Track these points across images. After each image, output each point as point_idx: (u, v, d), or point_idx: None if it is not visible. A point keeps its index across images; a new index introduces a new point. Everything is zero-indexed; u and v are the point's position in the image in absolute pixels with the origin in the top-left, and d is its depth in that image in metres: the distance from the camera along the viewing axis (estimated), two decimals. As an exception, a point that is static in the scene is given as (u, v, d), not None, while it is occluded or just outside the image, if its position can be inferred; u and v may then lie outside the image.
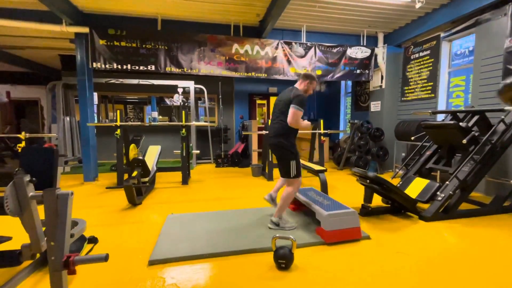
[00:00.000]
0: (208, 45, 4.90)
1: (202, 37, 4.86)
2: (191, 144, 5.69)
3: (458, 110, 3.67)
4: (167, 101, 8.06)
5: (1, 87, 8.22)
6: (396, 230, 2.60)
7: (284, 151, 2.48)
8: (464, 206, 3.11)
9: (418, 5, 4.17)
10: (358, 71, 5.61)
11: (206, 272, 1.86)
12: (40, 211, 1.46)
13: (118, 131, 4.29)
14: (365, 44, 5.66)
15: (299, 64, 5.27)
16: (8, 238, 1.93)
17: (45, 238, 1.54)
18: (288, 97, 2.46)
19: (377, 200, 3.28)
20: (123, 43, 4.55)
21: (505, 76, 3.59)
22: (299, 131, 2.65)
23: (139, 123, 5.87)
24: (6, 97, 8.27)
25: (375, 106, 6.05)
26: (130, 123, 6.23)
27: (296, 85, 2.61)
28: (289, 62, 5.24)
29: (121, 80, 6.18)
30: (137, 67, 4.65)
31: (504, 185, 3.56)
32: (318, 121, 5.20)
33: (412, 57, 5.35)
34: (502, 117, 3.06)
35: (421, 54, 5.13)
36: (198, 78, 6.70)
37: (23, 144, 4.33)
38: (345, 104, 8.10)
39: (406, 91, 5.53)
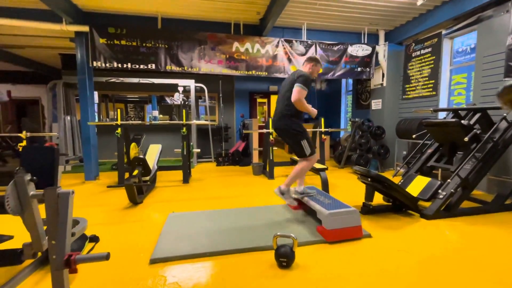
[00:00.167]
0: (209, 44, 4.88)
1: (203, 36, 4.85)
2: (191, 143, 5.69)
3: (460, 108, 3.65)
4: (168, 100, 8.05)
5: (2, 87, 8.22)
6: (398, 228, 2.60)
7: (291, 132, 2.48)
8: (465, 204, 3.09)
9: (419, 2, 4.15)
10: (359, 69, 5.59)
11: (207, 270, 1.86)
12: (41, 210, 1.46)
13: (119, 130, 4.29)
14: (366, 42, 5.64)
15: (299, 62, 5.24)
16: (10, 237, 1.93)
17: (46, 237, 1.55)
18: (293, 78, 2.48)
19: (378, 199, 3.27)
20: (123, 42, 4.54)
21: (507, 74, 3.57)
22: None
23: (140, 122, 5.88)
24: (7, 96, 8.28)
25: (376, 104, 6.03)
26: (130, 122, 6.23)
27: (301, 67, 2.63)
28: (289, 60, 5.22)
29: (121, 79, 6.18)
30: (137, 66, 4.65)
31: (506, 183, 3.55)
32: (319, 120, 5.19)
33: (413, 55, 5.33)
34: (504, 114, 3.05)
35: (422, 51, 5.10)
36: (198, 77, 6.69)
37: (24, 143, 4.33)
38: (346, 102, 8.08)
39: (407, 89, 5.50)
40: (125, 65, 4.60)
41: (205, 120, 7.32)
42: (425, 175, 3.37)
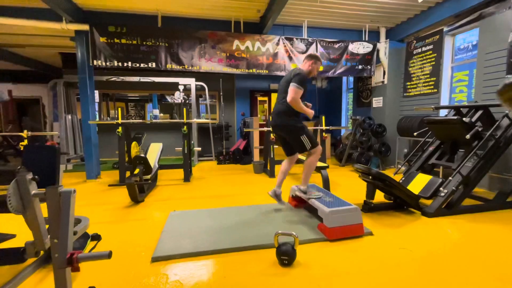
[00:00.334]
0: (209, 42, 4.87)
1: (203, 34, 4.83)
2: (192, 142, 5.69)
3: (461, 105, 3.63)
4: (168, 98, 8.05)
5: (3, 86, 8.23)
6: (399, 226, 2.60)
7: (289, 129, 2.48)
8: (467, 201, 3.09)
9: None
10: (360, 67, 5.56)
11: (208, 268, 1.86)
12: (43, 209, 1.47)
13: (120, 129, 4.29)
14: (367, 40, 5.61)
15: (300, 60, 5.23)
16: (12, 236, 1.94)
17: (49, 236, 1.55)
18: (289, 76, 2.46)
19: (379, 196, 3.27)
20: (123, 40, 4.53)
21: (510, 71, 3.55)
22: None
23: (141, 120, 5.87)
24: (8, 96, 8.29)
25: (377, 102, 6.01)
26: (131, 120, 6.23)
27: (301, 65, 2.61)
28: (290, 58, 5.21)
29: (122, 77, 6.17)
30: (137, 65, 4.64)
31: (507, 181, 3.54)
32: (320, 118, 5.18)
33: (414, 52, 5.30)
34: (506, 112, 3.03)
35: (423, 49, 5.08)
36: (199, 75, 6.68)
37: (25, 142, 4.34)
38: (347, 100, 8.06)
39: (409, 87, 5.48)
40: (125, 64, 4.59)
41: (206, 119, 7.33)
42: (427, 173, 3.37)
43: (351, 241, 2.25)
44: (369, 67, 5.61)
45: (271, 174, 4.82)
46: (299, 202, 3.02)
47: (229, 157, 6.44)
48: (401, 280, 1.71)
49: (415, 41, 5.28)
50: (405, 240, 2.28)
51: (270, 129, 4.75)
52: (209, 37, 4.86)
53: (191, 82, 6.46)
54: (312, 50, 5.28)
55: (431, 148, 3.57)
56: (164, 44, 4.70)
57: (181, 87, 6.66)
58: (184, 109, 4.57)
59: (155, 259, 1.96)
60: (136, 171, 3.45)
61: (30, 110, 8.93)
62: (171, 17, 4.93)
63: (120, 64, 4.57)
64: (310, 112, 2.59)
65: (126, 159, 4.43)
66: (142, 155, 3.66)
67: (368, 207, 2.96)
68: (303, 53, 5.25)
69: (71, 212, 1.36)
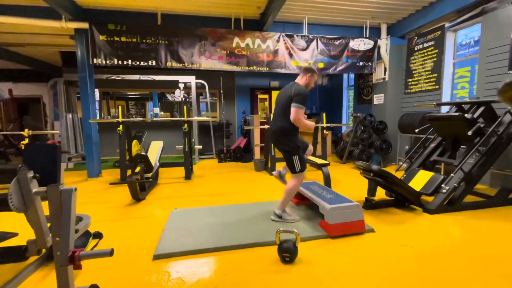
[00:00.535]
0: (209, 39, 4.85)
1: (203, 31, 4.81)
2: (193, 140, 5.69)
3: (463, 101, 3.61)
4: (169, 96, 8.04)
5: (3, 85, 8.23)
6: (400, 223, 2.59)
7: (283, 147, 2.49)
8: (469, 198, 3.08)
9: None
10: (361, 64, 5.54)
11: (210, 266, 1.86)
12: (45, 207, 1.47)
13: (121, 127, 4.29)
14: (368, 36, 5.58)
15: (301, 57, 5.21)
16: (14, 234, 1.95)
17: (50, 234, 1.55)
18: (289, 93, 2.44)
19: (380, 193, 3.27)
20: (123, 38, 4.52)
21: (512, 66, 3.53)
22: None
23: (141, 119, 5.87)
24: (8, 94, 8.29)
25: (378, 99, 5.99)
26: (132, 119, 6.22)
27: (297, 79, 2.57)
28: (290, 55, 5.18)
29: (122, 76, 6.16)
30: (137, 63, 4.63)
31: (509, 177, 3.53)
32: (321, 115, 5.16)
33: (416, 48, 5.26)
34: (509, 108, 3.01)
35: (425, 45, 5.04)
36: (199, 73, 6.66)
37: (26, 141, 4.35)
38: (348, 97, 8.03)
39: (410, 83, 5.46)
40: (125, 62, 4.58)
41: (206, 117, 7.32)
42: (428, 169, 3.36)
43: (353, 238, 2.25)
44: (370, 63, 5.58)
45: (272, 172, 4.81)
46: (300, 200, 3.02)
47: (229, 155, 6.44)
48: (403, 276, 1.71)
49: (416, 37, 5.25)
50: (406, 237, 2.28)
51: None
52: (209, 35, 4.84)
53: (191, 80, 6.44)
54: (312, 47, 5.25)
55: (432, 145, 3.56)
56: (164, 42, 4.68)
57: (181, 85, 6.66)
58: (185, 107, 4.57)
59: (156, 257, 1.96)
60: (137, 169, 3.45)
61: (31, 109, 8.93)
62: (170, 15, 4.91)
63: (120, 62, 4.56)
64: (312, 126, 2.62)
65: (127, 157, 4.43)
66: (143, 153, 3.66)
67: (370, 204, 2.95)
68: (303, 50, 5.22)
69: (72, 210, 1.36)
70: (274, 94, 8.31)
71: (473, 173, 2.91)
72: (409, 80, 5.47)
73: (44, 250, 1.84)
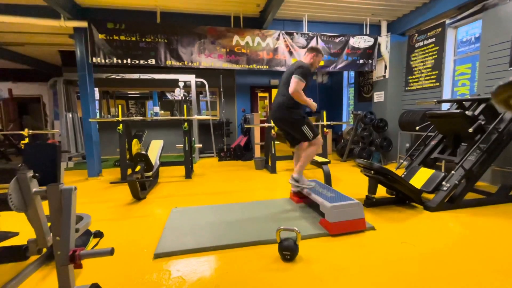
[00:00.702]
0: (208, 38, 4.83)
1: (202, 29, 4.79)
2: (193, 138, 5.68)
3: (464, 98, 3.60)
4: (169, 95, 8.03)
5: (3, 85, 8.23)
6: (401, 220, 2.59)
7: (289, 121, 2.47)
8: (469, 195, 3.08)
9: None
10: (361, 61, 5.52)
11: (211, 264, 1.87)
12: (45, 207, 1.47)
13: (121, 126, 4.28)
14: (368, 33, 5.55)
15: (301, 55, 5.18)
16: (15, 234, 1.95)
17: (51, 233, 1.55)
18: (292, 69, 2.44)
19: (381, 191, 3.26)
20: (122, 37, 4.50)
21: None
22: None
23: (141, 118, 5.86)
24: (8, 94, 8.29)
25: (378, 96, 5.98)
26: (132, 118, 6.22)
27: (302, 58, 2.58)
28: (290, 53, 5.16)
29: (121, 75, 6.15)
30: (137, 61, 4.61)
31: (510, 174, 3.52)
32: (321, 113, 5.15)
33: (416, 46, 5.24)
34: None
35: (425, 42, 5.02)
36: (199, 72, 6.65)
37: (26, 140, 4.35)
38: (348, 95, 8.01)
39: (410, 81, 5.44)
40: (124, 61, 4.57)
41: (207, 115, 7.31)
42: (429, 167, 3.35)
43: (353, 236, 2.25)
44: (370, 61, 5.56)
45: (272, 170, 4.82)
46: (301, 198, 3.02)
47: (230, 153, 6.44)
48: (404, 274, 1.71)
49: (416, 35, 5.22)
50: (407, 234, 2.28)
51: (271, 124, 4.73)
52: (209, 33, 4.82)
53: (191, 78, 6.43)
54: (312, 45, 5.23)
55: (433, 142, 3.55)
56: (163, 41, 4.67)
57: (181, 84, 6.64)
58: (185, 106, 4.56)
59: (157, 256, 1.96)
60: (137, 168, 3.45)
61: (31, 109, 8.94)
62: (170, 13, 4.89)
63: (119, 61, 4.55)
64: (313, 105, 2.57)
65: (127, 156, 4.43)
66: (143, 152, 3.65)
67: (370, 202, 2.95)
68: (303, 47, 5.20)
69: (73, 209, 1.36)
70: (274, 92, 8.28)
71: (474, 170, 2.91)
72: (410, 77, 5.45)
73: (44, 250, 1.85)
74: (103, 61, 4.49)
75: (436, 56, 4.81)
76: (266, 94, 8.64)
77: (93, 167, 4.78)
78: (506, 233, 2.27)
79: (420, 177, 3.16)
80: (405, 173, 3.39)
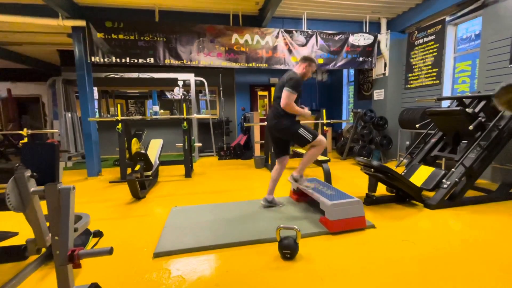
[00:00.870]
0: (207, 36, 4.81)
1: (201, 28, 4.77)
2: (193, 137, 5.67)
3: (464, 96, 3.58)
4: (168, 94, 8.01)
5: (2, 85, 8.21)
6: (401, 218, 2.59)
7: (284, 128, 2.49)
8: (470, 193, 3.07)
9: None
10: (360, 59, 5.50)
11: (211, 263, 1.86)
12: (44, 206, 1.46)
13: (120, 126, 4.27)
14: (367, 31, 5.53)
15: (300, 53, 5.17)
16: (14, 234, 1.94)
17: (50, 233, 1.55)
18: (284, 80, 2.45)
19: (381, 189, 3.26)
20: (120, 36, 4.48)
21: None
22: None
23: (141, 117, 5.85)
24: (7, 94, 8.27)
25: (378, 94, 5.96)
26: (131, 117, 6.21)
27: (295, 68, 2.57)
28: (290, 51, 5.14)
29: (120, 74, 6.13)
30: (136, 60, 4.60)
31: (510, 172, 3.52)
32: (321, 111, 5.13)
33: (416, 43, 5.22)
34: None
35: (425, 39, 5.00)
36: (198, 70, 6.63)
37: (25, 140, 4.34)
38: (348, 93, 7.99)
39: (410, 78, 5.42)
40: (123, 60, 4.55)
41: (206, 114, 7.29)
42: (429, 164, 3.34)
43: (353, 234, 2.24)
44: (370, 59, 5.54)
45: (272, 169, 4.80)
46: (301, 196, 3.02)
47: (230, 152, 6.43)
48: (404, 272, 1.70)
49: (416, 32, 5.20)
50: (407, 232, 2.27)
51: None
52: (208, 31, 4.80)
53: (191, 77, 6.41)
54: (312, 43, 5.21)
55: (433, 140, 3.54)
56: (162, 39, 4.65)
57: (180, 83, 6.62)
58: (184, 104, 4.54)
59: (157, 255, 1.96)
60: (137, 167, 3.44)
61: (30, 109, 8.92)
62: (168, 11, 4.87)
63: (118, 60, 4.53)
64: (307, 113, 2.59)
65: (127, 156, 4.42)
66: (143, 151, 3.65)
67: (370, 200, 2.95)
68: (303, 45, 5.19)
69: (71, 209, 1.35)
70: (274, 91, 8.26)
71: (474, 168, 2.90)
72: (410, 75, 5.43)
73: (43, 249, 1.84)
74: (101, 60, 4.48)
75: (436, 53, 4.80)
76: (266, 93, 8.60)
77: (92, 166, 4.77)
78: (507, 231, 2.27)
79: (420, 175, 3.16)
80: (405, 171, 3.39)
